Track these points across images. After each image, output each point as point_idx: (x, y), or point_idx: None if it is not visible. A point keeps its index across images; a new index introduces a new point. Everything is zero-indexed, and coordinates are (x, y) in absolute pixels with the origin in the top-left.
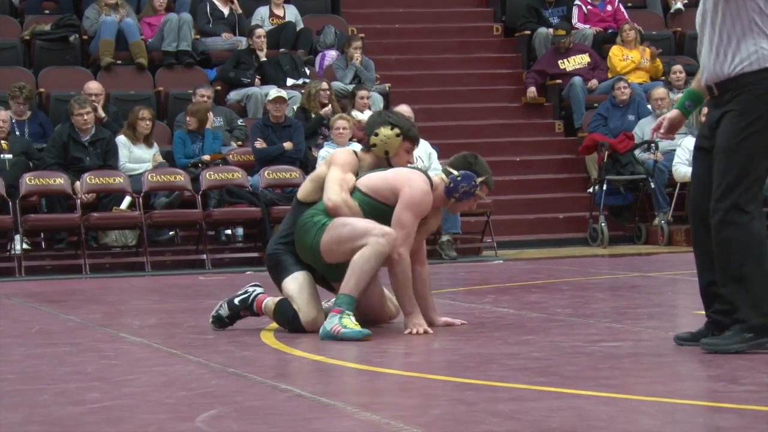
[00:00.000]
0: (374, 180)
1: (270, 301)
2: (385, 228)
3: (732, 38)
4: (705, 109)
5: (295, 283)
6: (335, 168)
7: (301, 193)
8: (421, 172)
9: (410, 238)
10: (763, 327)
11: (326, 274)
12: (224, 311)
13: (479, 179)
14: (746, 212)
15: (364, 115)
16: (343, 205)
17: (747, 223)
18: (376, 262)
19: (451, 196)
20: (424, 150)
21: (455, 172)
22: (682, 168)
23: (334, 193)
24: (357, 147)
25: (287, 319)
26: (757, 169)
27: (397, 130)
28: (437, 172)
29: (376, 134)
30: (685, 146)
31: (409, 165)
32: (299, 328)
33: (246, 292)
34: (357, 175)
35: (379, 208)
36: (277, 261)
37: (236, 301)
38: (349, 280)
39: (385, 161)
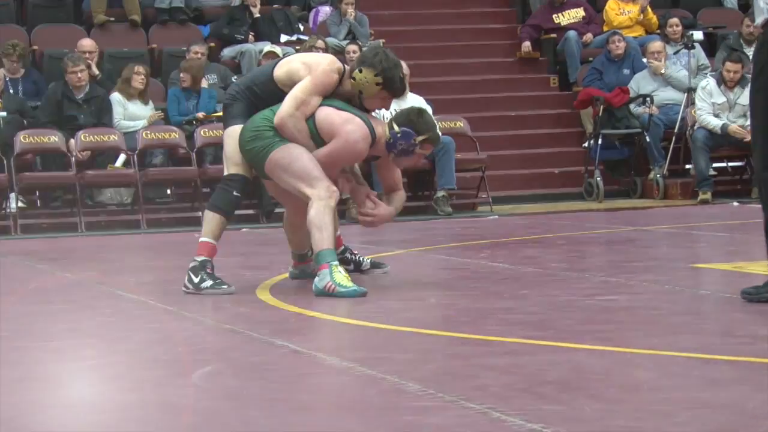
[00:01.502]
0: (328, 118)
1: (204, 231)
2: (331, 187)
3: None
4: (729, 64)
5: (233, 144)
6: (306, 85)
7: (280, 71)
8: (366, 125)
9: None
10: None
11: (254, 166)
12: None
13: (420, 138)
14: None
15: None
16: (288, 127)
17: None
18: (330, 213)
19: (390, 151)
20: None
21: (396, 128)
22: (710, 119)
23: (287, 113)
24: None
25: (232, 187)
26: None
27: (379, 79)
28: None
29: (360, 71)
30: (708, 90)
31: (376, 113)
32: (242, 186)
33: (197, 279)
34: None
35: (319, 145)
36: (232, 104)
37: (203, 286)
38: (318, 237)
39: (357, 98)
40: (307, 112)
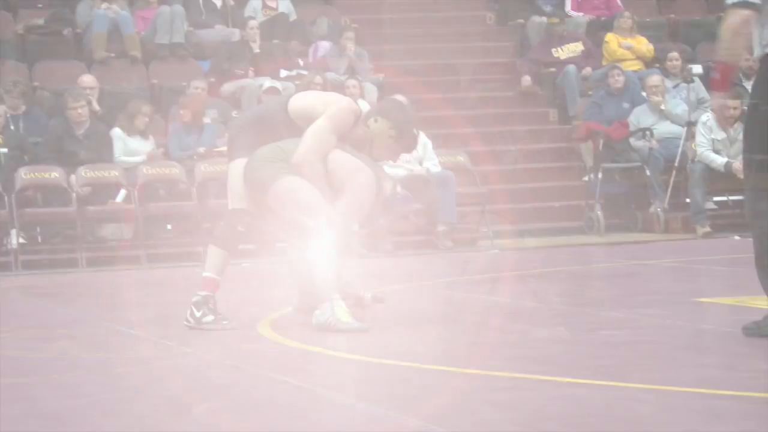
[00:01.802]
0: (338, 168)
1: (207, 266)
2: (333, 217)
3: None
4: (728, 101)
5: (238, 177)
6: (324, 124)
7: (296, 103)
8: (373, 175)
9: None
10: None
11: (257, 197)
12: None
13: (416, 206)
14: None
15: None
16: (308, 165)
17: None
18: (332, 245)
19: (385, 209)
20: (419, 141)
21: (398, 190)
22: (714, 156)
23: (308, 153)
24: (365, 106)
25: (236, 222)
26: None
27: (393, 132)
28: (432, 162)
29: (376, 121)
30: (709, 125)
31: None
32: (246, 220)
33: (199, 313)
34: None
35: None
36: (238, 136)
37: (204, 320)
38: (319, 270)
39: (367, 145)
40: (325, 152)
